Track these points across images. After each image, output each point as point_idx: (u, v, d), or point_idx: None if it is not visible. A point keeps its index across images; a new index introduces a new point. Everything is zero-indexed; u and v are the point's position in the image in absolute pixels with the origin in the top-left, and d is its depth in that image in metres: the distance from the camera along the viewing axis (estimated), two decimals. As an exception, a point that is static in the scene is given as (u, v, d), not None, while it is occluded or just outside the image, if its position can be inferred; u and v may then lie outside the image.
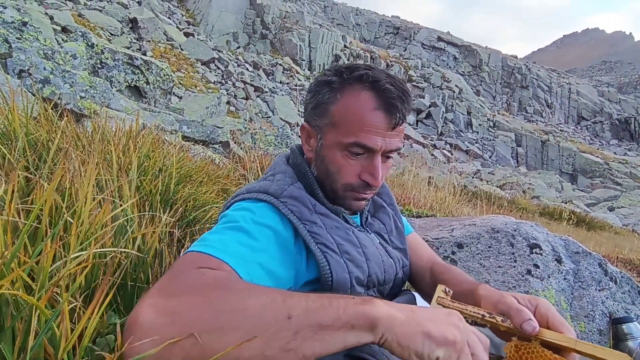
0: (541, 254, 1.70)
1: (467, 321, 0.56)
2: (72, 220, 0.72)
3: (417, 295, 1.02)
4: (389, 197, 1.03)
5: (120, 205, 0.85)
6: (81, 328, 0.51)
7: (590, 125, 39.83)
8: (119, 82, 5.65)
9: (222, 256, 0.62)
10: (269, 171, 0.90)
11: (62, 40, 9.48)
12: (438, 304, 0.64)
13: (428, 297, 1.01)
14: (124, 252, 0.77)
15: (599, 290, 1.69)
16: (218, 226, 0.73)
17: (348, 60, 28.73)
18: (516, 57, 44.72)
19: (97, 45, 5.77)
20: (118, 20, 18.18)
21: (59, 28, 11.23)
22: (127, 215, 0.85)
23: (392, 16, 46.69)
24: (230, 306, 0.50)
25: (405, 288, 1.01)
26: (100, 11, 18.18)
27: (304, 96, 0.88)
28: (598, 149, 32.13)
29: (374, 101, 0.77)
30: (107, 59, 5.74)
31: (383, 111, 0.77)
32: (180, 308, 0.51)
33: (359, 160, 0.80)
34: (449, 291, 0.64)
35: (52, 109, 1.85)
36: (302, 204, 0.79)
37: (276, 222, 0.75)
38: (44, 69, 3.78)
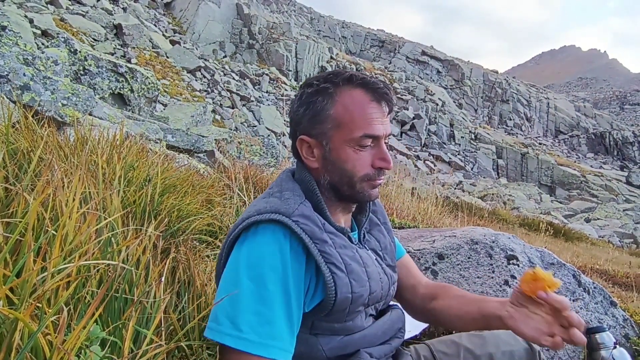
0: (518, 265, 1.76)
1: None
2: (55, 233, 0.72)
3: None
4: (383, 217, 1.08)
5: (105, 218, 0.85)
6: (73, 340, 0.51)
7: (568, 138, 41.13)
8: (102, 89, 5.57)
9: (263, 352, 0.70)
10: (274, 187, 0.93)
11: (43, 45, 9.30)
12: None
13: (411, 311, 1.09)
14: (110, 264, 0.77)
15: (573, 301, 1.75)
16: (244, 295, 0.75)
17: (334, 71, 28.86)
18: (497, 72, 45.97)
19: (80, 52, 5.68)
20: (102, 26, 17.93)
21: (39, 32, 11.01)
22: (112, 230, 0.86)
23: (377, 29, 47.52)
24: None
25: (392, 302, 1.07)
26: (84, 16, 17.90)
27: (293, 112, 0.91)
28: (575, 161, 33.13)
29: (367, 95, 0.87)
30: (91, 65, 5.66)
31: (377, 102, 0.88)
32: None
33: (367, 151, 0.88)
34: None
35: (32, 116, 1.83)
36: (313, 222, 0.83)
37: (290, 255, 0.79)
38: (24, 74, 3.70)
